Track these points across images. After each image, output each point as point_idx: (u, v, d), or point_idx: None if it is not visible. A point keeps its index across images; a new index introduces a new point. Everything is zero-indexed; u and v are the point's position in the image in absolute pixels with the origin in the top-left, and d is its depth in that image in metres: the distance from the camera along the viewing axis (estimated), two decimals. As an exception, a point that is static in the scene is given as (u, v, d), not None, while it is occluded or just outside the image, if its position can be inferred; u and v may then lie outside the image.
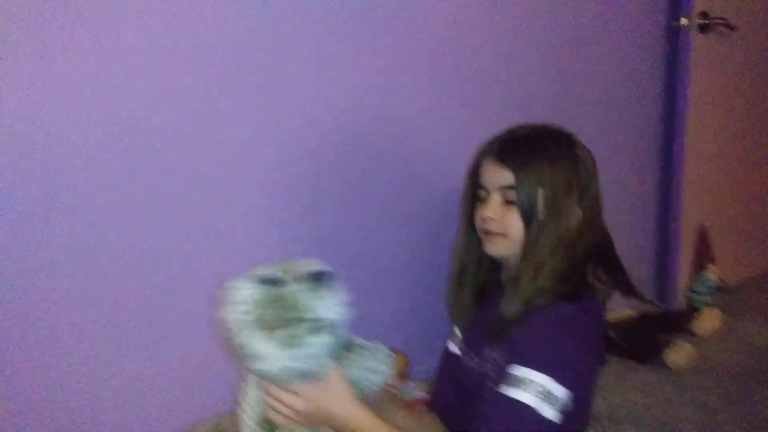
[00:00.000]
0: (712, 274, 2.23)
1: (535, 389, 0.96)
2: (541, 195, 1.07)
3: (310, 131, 1.47)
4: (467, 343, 1.22)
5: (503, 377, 1.01)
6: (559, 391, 0.97)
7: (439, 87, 1.66)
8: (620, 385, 1.77)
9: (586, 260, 1.14)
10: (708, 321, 2.06)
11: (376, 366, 1.06)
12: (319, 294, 0.93)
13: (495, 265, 1.20)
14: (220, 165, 1.38)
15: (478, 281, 1.22)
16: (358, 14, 1.50)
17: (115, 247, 1.30)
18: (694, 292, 2.25)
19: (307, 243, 1.52)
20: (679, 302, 2.29)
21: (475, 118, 1.72)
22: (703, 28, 2.10)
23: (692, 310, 2.18)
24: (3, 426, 1.25)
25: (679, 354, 1.84)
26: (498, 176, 1.10)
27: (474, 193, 1.16)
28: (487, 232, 1.12)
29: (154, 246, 1.34)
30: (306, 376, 0.94)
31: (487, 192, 1.12)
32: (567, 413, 0.98)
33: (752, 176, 2.50)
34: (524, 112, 1.82)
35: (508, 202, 1.10)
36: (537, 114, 1.85)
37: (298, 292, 0.92)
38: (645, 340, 1.93)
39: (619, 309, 2.06)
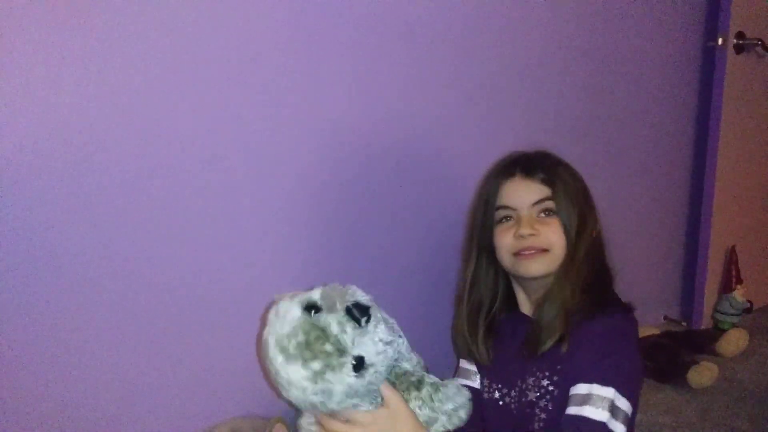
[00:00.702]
0: (739, 295, 2.22)
1: (605, 404, 0.96)
2: (573, 204, 1.09)
3: (334, 139, 1.49)
4: (494, 378, 1.19)
5: (564, 398, 1.01)
6: (623, 403, 0.98)
7: (467, 97, 1.68)
8: (643, 404, 1.75)
9: (609, 270, 1.16)
10: (733, 342, 2.05)
11: (452, 408, 0.99)
12: (364, 330, 0.88)
13: (510, 297, 1.20)
14: (243, 171, 1.39)
15: (491, 316, 1.20)
16: (385, 21, 1.51)
17: (131, 254, 1.30)
18: (721, 312, 2.24)
19: (328, 250, 1.53)
20: (705, 322, 2.28)
21: (502, 129, 1.73)
22: (739, 49, 2.10)
23: (718, 331, 2.17)
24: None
25: (702, 374, 1.83)
26: (530, 192, 1.10)
27: (490, 219, 1.15)
28: (527, 252, 1.09)
29: (176, 252, 1.35)
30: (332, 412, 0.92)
31: (515, 212, 1.11)
32: (629, 424, 0.99)
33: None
34: (555, 127, 1.84)
35: (543, 215, 1.10)
36: (568, 130, 1.87)
37: (340, 324, 0.87)
38: (668, 359, 1.92)
39: (643, 327, 2.06)
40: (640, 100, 2.06)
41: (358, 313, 0.87)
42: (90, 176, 1.24)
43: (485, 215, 1.16)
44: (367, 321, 0.88)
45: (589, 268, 1.09)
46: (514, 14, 1.71)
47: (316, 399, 0.87)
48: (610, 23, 1.92)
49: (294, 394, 0.88)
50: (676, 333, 2.12)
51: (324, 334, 0.86)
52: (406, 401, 0.95)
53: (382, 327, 0.91)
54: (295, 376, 0.86)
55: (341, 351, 0.86)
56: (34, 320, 1.21)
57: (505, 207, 1.12)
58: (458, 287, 1.25)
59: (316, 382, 0.85)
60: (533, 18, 1.75)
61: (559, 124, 1.86)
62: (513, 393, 1.13)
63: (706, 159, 2.17)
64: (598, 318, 1.07)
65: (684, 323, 2.28)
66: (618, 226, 2.08)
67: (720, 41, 2.07)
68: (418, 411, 0.96)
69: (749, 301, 2.25)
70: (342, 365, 0.85)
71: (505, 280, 1.21)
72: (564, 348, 1.04)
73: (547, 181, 1.09)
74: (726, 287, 2.27)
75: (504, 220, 1.13)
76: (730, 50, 2.08)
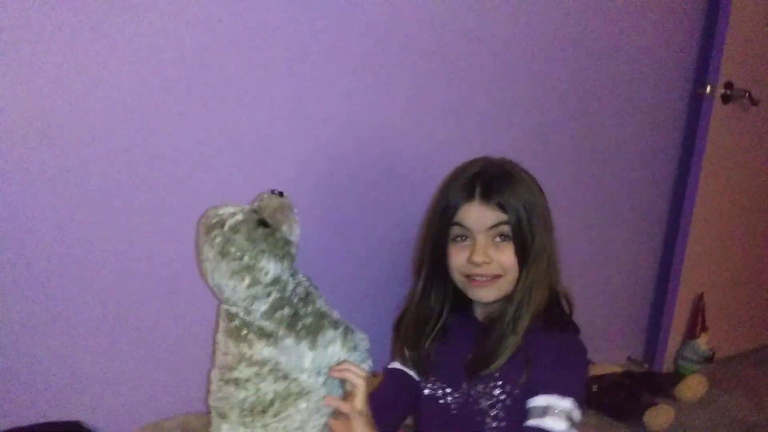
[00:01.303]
0: (703, 343, 2.23)
1: (563, 415, 0.99)
2: (529, 226, 1.09)
3: (321, 140, 1.49)
4: (437, 375, 1.19)
5: (517, 408, 1.04)
6: (577, 414, 1.01)
7: (453, 101, 1.68)
8: (597, 440, 1.77)
9: (564, 297, 1.17)
10: (692, 387, 2.05)
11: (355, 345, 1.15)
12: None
13: (460, 305, 1.20)
14: (220, 164, 1.39)
15: (439, 326, 1.19)
16: (368, 25, 1.51)
17: (111, 248, 1.30)
18: (683, 357, 2.25)
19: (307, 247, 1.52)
20: (667, 366, 2.28)
21: (488, 136, 1.72)
22: (726, 99, 2.12)
23: (678, 375, 2.17)
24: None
25: (659, 417, 1.83)
26: (485, 217, 1.09)
27: (446, 233, 1.14)
28: (478, 278, 1.10)
29: (152, 245, 1.35)
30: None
31: (470, 234, 1.11)
32: None
33: (754, 253, 2.50)
34: (535, 160, 1.84)
35: (497, 240, 1.09)
36: (547, 160, 1.88)
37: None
38: (627, 398, 1.92)
39: (605, 364, 2.06)
40: (622, 140, 2.07)
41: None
42: (83, 168, 1.24)
43: (440, 228, 1.15)
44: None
45: (542, 292, 1.10)
46: (504, 27, 1.72)
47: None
48: (602, 57, 1.93)
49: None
50: (637, 373, 2.11)
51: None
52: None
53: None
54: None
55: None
56: None
57: (461, 226, 1.12)
58: (409, 293, 1.25)
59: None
60: (525, 49, 1.76)
61: (540, 154, 1.86)
62: (456, 395, 1.14)
63: (683, 203, 2.18)
64: (553, 332, 1.10)
65: (646, 365, 2.28)
66: (592, 261, 2.09)
67: (708, 89, 2.09)
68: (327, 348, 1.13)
69: (712, 350, 2.26)
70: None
71: (455, 288, 1.20)
72: (517, 361, 1.06)
73: (504, 206, 1.09)
74: (691, 333, 2.28)
75: (459, 238, 1.13)
76: (717, 99, 2.10)
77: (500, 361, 1.06)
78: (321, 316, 1.14)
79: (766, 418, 1.99)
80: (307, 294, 1.16)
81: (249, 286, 1.05)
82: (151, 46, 1.26)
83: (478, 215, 1.09)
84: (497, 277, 1.10)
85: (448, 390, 1.16)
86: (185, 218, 1.36)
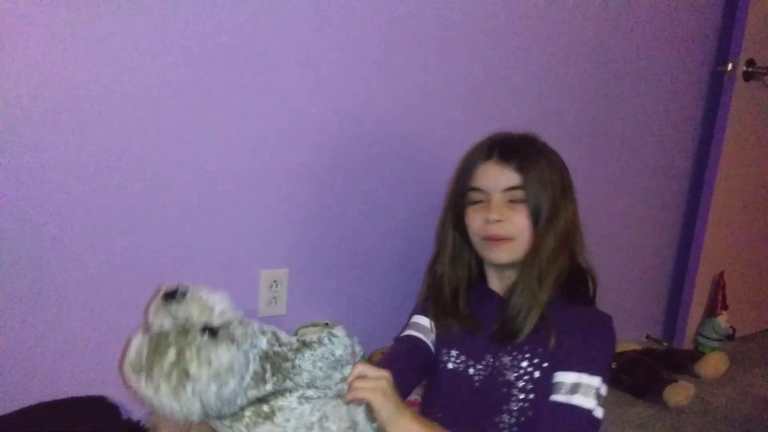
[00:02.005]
0: (723, 321, 2.23)
1: (593, 393, 0.99)
2: (545, 194, 1.08)
3: (312, 132, 1.49)
4: (459, 348, 1.17)
5: (545, 382, 1.03)
6: (604, 390, 1.01)
7: (465, 97, 1.69)
8: (616, 418, 1.78)
9: (586, 271, 1.15)
10: (713, 364, 2.06)
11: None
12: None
13: (481, 273, 1.20)
14: (221, 165, 1.40)
15: (466, 293, 1.19)
16: (376, 18, 1.51)
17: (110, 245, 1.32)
18: (703, 336, 2.25)
19: (305, 242, 1.54)
20: (686, 344, 2.29)
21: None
22: (748, 77, 2.10)
23: (698, 353, 2.18)
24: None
25: (679, 393, 1.83)
26: (501, 177, 1.09)
27: (463, 198, 1.14)
28: (494, 238, 1.09)
29: (154, 241, 1.36)
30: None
31: (486, 195, 1.10)
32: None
33: (776, 230, 2.49)
34: (556, 138, 1.83)
35: (512, 203, 1.09)
36: (568, 139, 1.88)
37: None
38: (646, 375, 1.92)
39: (624, 342, 2.06)
40: (644, 118, 2.07)
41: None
42: (83, 163, 1.25)
43: (458, 194, 1.16)
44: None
45: (560, 261, 1.09)
46: (520, 19, 1.73)
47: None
48: (622, 35, 1.93)
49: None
50: (657, 351, 2.12)
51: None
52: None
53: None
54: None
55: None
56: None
57: (477, 189, 1.12)
58: (433, 261, 1.24)
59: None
60: (541, 26, 1.76)
61: (559, 132, 1.86)
62: (479, 366, 1.13)
63: (703, 182, 2.18)
64: (582, 307, 1.10)
65: (665, 343, 2.29)
66: (611, 239, 2.09)
67: (729, 66, 2.07)
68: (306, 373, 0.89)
69: (732, 328, 2.26)
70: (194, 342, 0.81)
71: (477, 257, 1.20)
72: (545, 333, 1.05)
73: (521, 169, 1.08)
74: (711, 311, 2.28)
75: (475, 202, 1.13)
76: (739, 77, 2.09)
77: (525, 330, 1.06)
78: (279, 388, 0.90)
79: (787, 395, 1.99)
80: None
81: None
82: (152, 44, 1.27)
83: (493, 174, 1.10)
84: (510, 239, 1.09)
85: (471, 362, 1.14)
86: (201, 202, 1.39)
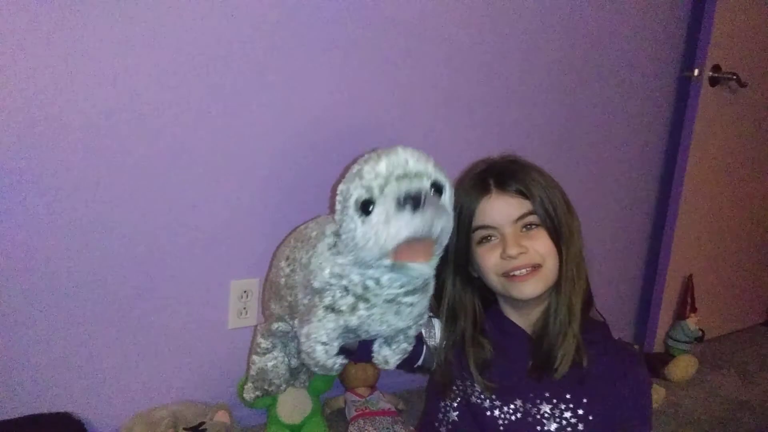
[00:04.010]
0: (692, 324, 2.25)
1: None
2: (556, 210, 1.04)
3: (282, 139, 1.47)
4: (494, 393, 1.08)
5: None
6: None
7: (443, 101, 1.68)
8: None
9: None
10: (682, 367, 2.08)
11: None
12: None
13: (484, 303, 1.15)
14: (188, 174, 1.37)
15: (477, 337, 1.11)
16: (358, 21, 1.50)
17: (94, 241, 1.30)
18: (673, 338, 2.27)
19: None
20: (657, 347, 2.31)
21: (474, 136, 1.74)
22: (714, 82, 2.13)
23: (668, 356, 2.20)
24: None
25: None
26: (509, 208, 1.03)
27: (467, 240, 1.08)
28: (518, 272, 1.03)
29: (130, 236, 1.34)
30: None
31: (495, 231, 1.05)
32: None
33: (741, 234, 2.53)
34: (525, 143, 1.85)
35: (527, 231, 1.04)
36: (537, 145, 1.88)
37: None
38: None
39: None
40: (611, 123, 2.08)
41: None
42: (56, 162, 1.22)
43: (460, 236, 1.08)
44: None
45: (582, 281, 1.06)
46: (491, 14, 1.72)
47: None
48: (590, 41, 1.94)
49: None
50: (628, 355, 2.13)
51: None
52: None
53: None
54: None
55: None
56: None
57: (485, 227, 1.05)
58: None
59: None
60: (511, 34, 1.76)
61: (530, 138, 1.87)
62: (506, 409, 1.06)
63: (672, 186, 2.20)
64: (610, 341, 1.11)
65: (636, 346, 2.30)
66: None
67: (696, 72, 2.10)
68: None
69: (701, 330, 2.28)
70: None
71: (479, 295, 1.14)
72: (582, 372, 1.03)
73: (524, 193, 1.03)
74: (680, 314, 2.30)
75: (485, 240, 1.07)
76: (705, 82, 2.11)
77: (564, 367, 1.01)
78: None
79: (756, 396, 2.02)
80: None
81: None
82: (116, 51, 1.24)
83: (499, 207, 1.04)
84: (537, 267, 1.03)
85: (497, 403, 1.07)
86: (170, 212, 1.36)
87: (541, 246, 1.03)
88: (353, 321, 0.98)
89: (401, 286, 0.95)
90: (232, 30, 1.35)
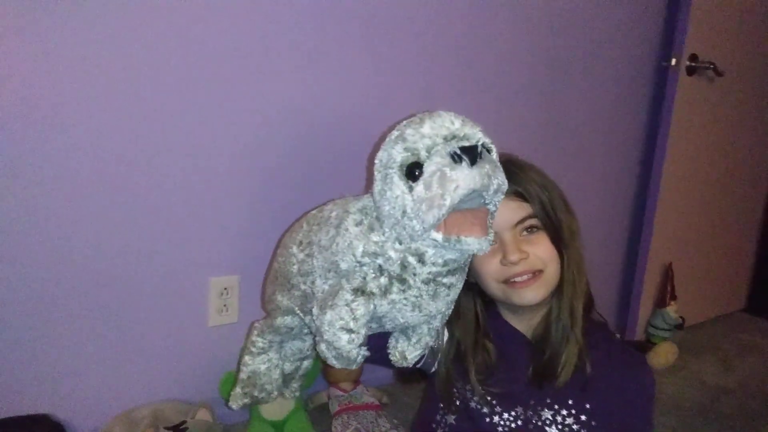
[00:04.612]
0: (672, 311, 2.27)
1: None
2: (555, 211, 1.01)
3: (262, 134, 1.46)
4: (487, 394, 1.06)
5: None
6: None
7: (419, 96, 1.67)
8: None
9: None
10: (663, 355, 2.10)
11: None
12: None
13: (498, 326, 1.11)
14: (167, 169, 1.36)
15: (479, 346, 1.07)
16: (323, 17, 1.49)
17: (73, 241, 1.29)
18: (654, 326, 2.29)
19: (257, 247, 1.50)
20: (638, 335, 2.33)
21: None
22: (691, 71, 2.14)
23: (649, 344, 2.22)
24: None
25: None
26: (508, 211, 0.97)
27: None
28: (519, 278, 0.99)
29: (103, 236, 1.32)
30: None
31: (495, 235, 0.97)
32: None
33: (720, 221, 2.56)
34: (505, 134, 1.84)
35: (526, 233, 1.00)
36: (516, 138, 1.88)
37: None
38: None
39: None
40: (589, 113, 2.09)
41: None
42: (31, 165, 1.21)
43: None
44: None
45: (583, 284, 1.04)
46: (468, 18, 1.72)
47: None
48: (568, 31, 1.94)
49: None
50: (610, 343, 2.14)
51: None
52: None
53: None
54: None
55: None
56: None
57: None
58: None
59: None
60: (488, 25, 1.76)
61: (509, 129, 1.87)
62: (506, 416, 1.03)
63: (651, 175, 2.22)
64: (612, 343, 1.08)
65: (618, 335, 2.32)
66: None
67: (673, 62, 2.11)
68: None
69: (681, 318, 2.31)
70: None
71: (481, 301, 1.10)
72: (585, 378, 1.00)
73: (523, 195, 0.99)
74: (660, 302, 2.32)
75: None
76: (683, 71, 2.12)
77: (566, 373, 0.99)
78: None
79: (736, 382, 2.04)
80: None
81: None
82: (93, 48, 1.22)
83: (497, 212, 0.95)
84: (539, 272, 1.00)
85: (498, 409, 1.04)
86: (147, 209, 1.35)
87: (542, 251, 1.00)
88: (383, 306, 0.91)
89: (444, 264, 0.89)
90: (201, 25, 1.33)
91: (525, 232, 1.01)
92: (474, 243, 0.84)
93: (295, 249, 1.06)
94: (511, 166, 0.99)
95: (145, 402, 1.42)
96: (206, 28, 1.33)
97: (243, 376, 1.27)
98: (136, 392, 1.42)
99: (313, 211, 1.10)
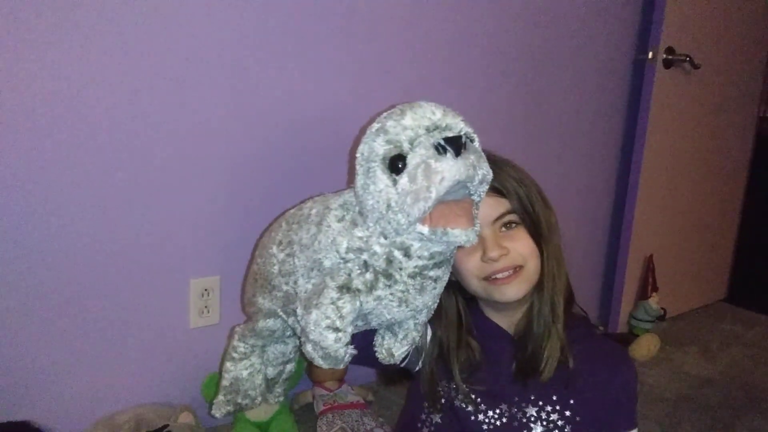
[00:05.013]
0: (654, 303, 2.29)
1: None
2: (534, 205, 1.01)
3: (241, 133, 1.45)
4: (471, 392, 1.06)
5: None
6: None
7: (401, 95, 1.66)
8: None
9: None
10: (645, 346, 2.12)
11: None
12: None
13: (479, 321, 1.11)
14: (144, 167, 1.34)
15: (462, 344, 1.07)
16: (299, 13, 1.48)
17: (52, 243, 1.26)
18: (636, 318, 2.31)
19: (237, 247, 1.48)
20: (620, 327, 2.34)
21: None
22: (668, 64, 2.16)
23: (632, 335, 2.23)
24: None
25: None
26: (487, 207, 0.96)
27: None
28: (500, 274, 0.99)
29: (88, 238, 1.31)
30: None
31: None
32: None
33: (700, 212, 2.58)
34: (483, 129, 1.83)
35: (505, 229, 1.00)
36: (493, 133, 1.88)
37: None
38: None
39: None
40: (568, 107, 2.09)
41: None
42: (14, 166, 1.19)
43: None
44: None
45: (563, 279, 1.04)
46: (446, 14, 1.72)
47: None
48: (546, 25, 1.95)
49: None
50: (593, 336, 2.16)
51: None
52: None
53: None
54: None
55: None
56: None
57: None
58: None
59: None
60: (466, 21, 1.76)
61: (488, 125, 1.87)
62: (490, 413, 1.04)
63: (630, 167, 2.23)
64: (594, 337, 1.09)
65: (601, 327, 2.33)
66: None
67: (650, 55, 2.12)
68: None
69: (663, 309, 2.32)
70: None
71: (462, 297, 1.10)
72: (568, 373, 1.01)
73: (501, 191, 0.98)
74: (642, 294, 2.34)
75: None
76: (660, 64, 2.14)
77: (549, 368, 0.99)
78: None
79: (718, 372, 2.06)
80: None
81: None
82: (59, 43, 1.20)
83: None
84: (520, 268, 1.00)
85: (482, 407, 1.05)
86: (125, 210, 1.33)
87: (522, 246, 1.00)
88: (369, 303, 0.90)
89: (431, 257, 0.88)
90: (176, 25, 1.31)
91: (504, 228, 1.00)
92: (461, 234, 0.83)
93: (275, 249, 1.05)
94: (494, 162, 0.97)
95: (127, 406, 1.40)
96: (182, 27, 1.31)
97: (225, 383, 1.24)
98: (117, 396, 1.40)
99: (292, 210, 1.08)
